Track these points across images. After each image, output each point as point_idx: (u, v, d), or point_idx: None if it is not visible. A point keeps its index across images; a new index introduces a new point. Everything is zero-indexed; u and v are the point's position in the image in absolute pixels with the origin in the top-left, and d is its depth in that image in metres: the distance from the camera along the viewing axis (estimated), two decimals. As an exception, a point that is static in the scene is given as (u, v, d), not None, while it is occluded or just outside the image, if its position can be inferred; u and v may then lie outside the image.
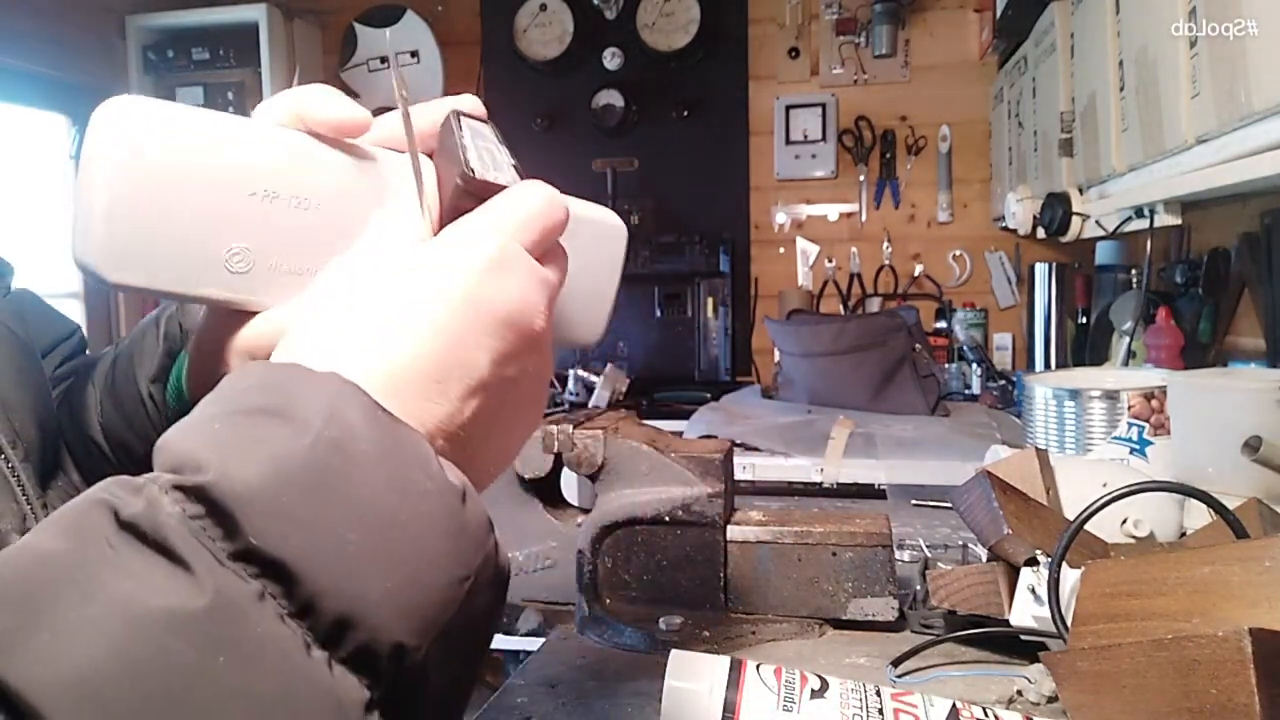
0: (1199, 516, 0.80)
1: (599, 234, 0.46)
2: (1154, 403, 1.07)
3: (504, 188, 0.38)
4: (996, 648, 0.71)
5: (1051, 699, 0.61)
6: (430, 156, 0.40)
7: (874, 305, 2.77)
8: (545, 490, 0.86)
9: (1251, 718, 0.45)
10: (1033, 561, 0.69)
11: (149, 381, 0.54)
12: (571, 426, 0.80)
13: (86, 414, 0.58)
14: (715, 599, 0.80)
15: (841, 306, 2.79)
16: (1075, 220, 1.71)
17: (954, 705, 0.53)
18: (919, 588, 0.83)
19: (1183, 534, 0.83)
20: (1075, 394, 1.15)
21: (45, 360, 0.63)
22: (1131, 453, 1.03)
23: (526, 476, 0.82)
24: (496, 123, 0.42)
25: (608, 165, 2.77)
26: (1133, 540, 0.78)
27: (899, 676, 0.67)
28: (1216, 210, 1.70)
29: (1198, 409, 0.94)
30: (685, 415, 2.10)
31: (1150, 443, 1.03)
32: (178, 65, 2.83)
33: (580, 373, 2.46)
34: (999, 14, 2.08)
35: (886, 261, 2.78)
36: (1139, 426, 1.04)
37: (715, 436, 1.79)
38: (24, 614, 0.23)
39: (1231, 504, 0.67)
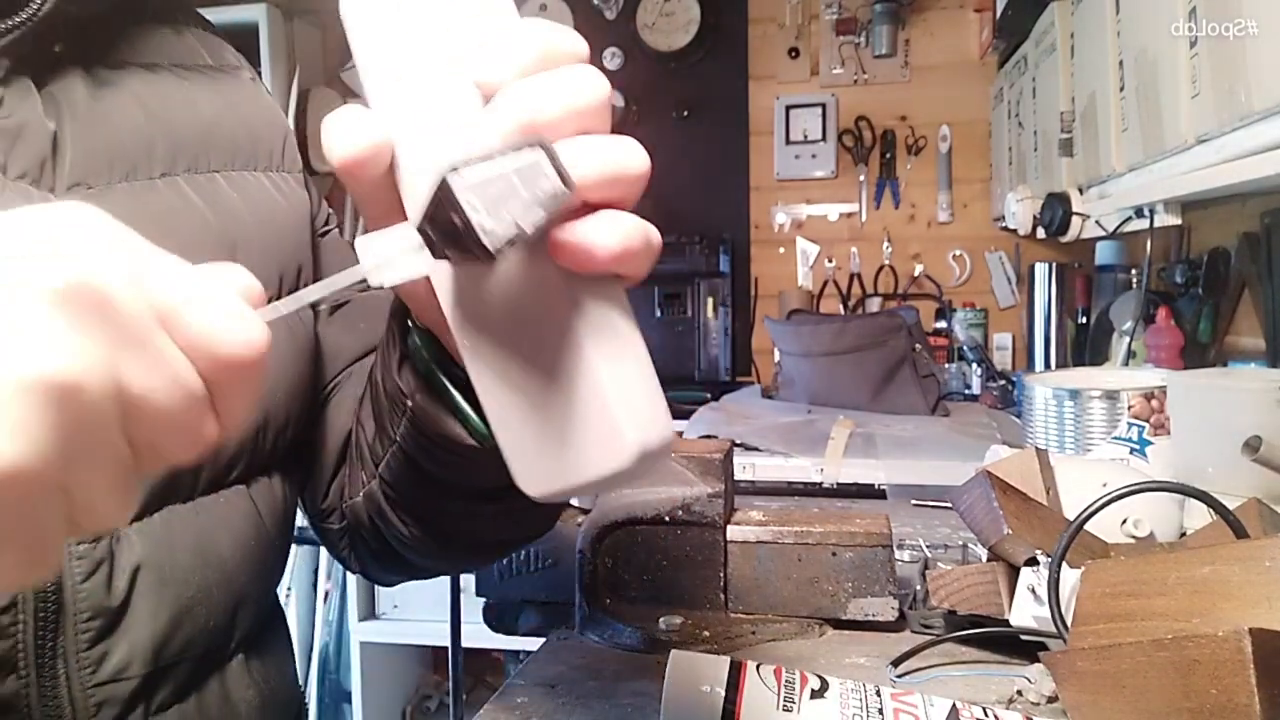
0: (1199, 516, 0.80)
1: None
2: (1154, 403, 1.07)
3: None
4: (996, 648, 0.71)
5: (1051, 699, 0.61)
6: None
7: (874, 305, 2.76)
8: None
9: (1251, 718, 0.45)
10: (1033, 561, 0.69)
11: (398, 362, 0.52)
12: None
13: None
14: (715, 599, 0.80)
15: (841, 306, 2.79)
16: (1075, 220, 1.71)
17: (954, 705, 0.53)
18: (919, 588, 0.83)
19: (1183, 534, 0.83)
20: (1075, 394, 1.15)
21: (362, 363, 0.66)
22: (1131, 453, 1.03)
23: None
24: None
25: (608, 165, 2.77)
26: (1133, 540, 0.78)
27: (899, 676, 0.68)
28: (1216, 210, 1.70)
29: (1198, 409, 0.94)
30: (685, 415, 2.10)
31: (1150, 443, 1.03)
32: (178, 65, 2.82)
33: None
34: (999, 14, 2.08)
35: (886, 261, 2.78)
36: (1139, 426, 1.04)
37: (715, 436, 1.79)
38: None
39: (1231, 504, 0.67)
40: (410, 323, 0.48)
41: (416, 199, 0.34)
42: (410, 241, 0.33)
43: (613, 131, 0.35)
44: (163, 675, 0.52)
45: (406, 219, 0.35)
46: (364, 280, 0.34)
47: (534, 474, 0.37)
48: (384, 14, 0.37)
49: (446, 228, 0.31)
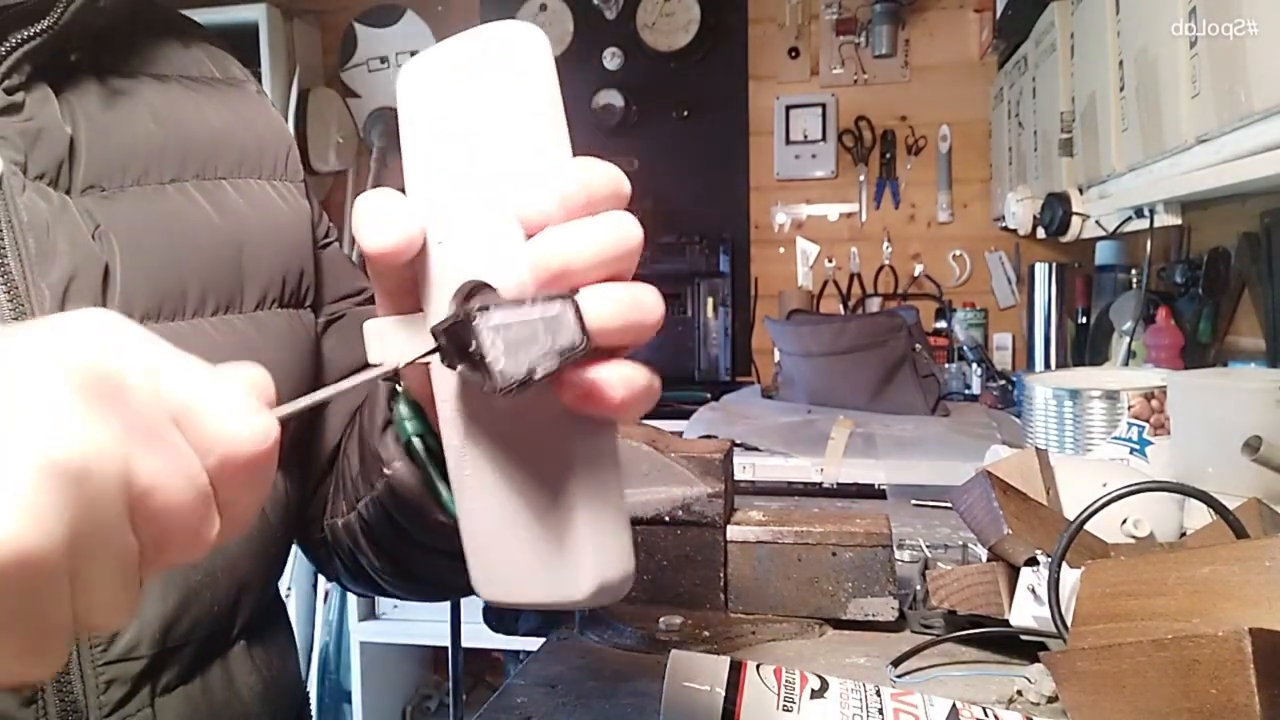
0: (1199, 516, 0.80)
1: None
2: (1154, 403, 1.07)
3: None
4: (996, 648, 0.71)
5: (1051, 699, 0.61)
6: None
7: (874, 305, 2.76)
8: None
9: (1251, 718, 0.45)
10: (1033, 561, 0.69)
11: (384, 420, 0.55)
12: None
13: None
14: (715, 599, 0.80)
15: (841, 306, 2.79)
16: (1075, 220, 1.71)
17: (954, 705, 0.53)
18: (919, 588, 0.83)
19: (1183, 534, 0.83)
20: (1075, 394, 1.15)
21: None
22: (1131, 453, 1.03)
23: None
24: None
25: (608, 165, 2.77)
26: (1133, 540, 0.78)
27: (899, 676, 0.68)
28: (1216, 210, 1.70)
29: (1198, 409, 0.94)
30: (685, 415, 2.10)
31: (1150, 443, 1.03)
32: (178, 65, 2.82)
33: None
34: (999, 14, 2.08)
35: (886, 261, 2.78)
36: (1139, 426, 1.04)
37: (715, 436, 1.79)
38: None
39: (1231, 504, 0.67)
40: (396, 387, 0.50)
41: (440, 301, 0.36)
42: (423, 339, 0.34)
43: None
44: (169, 656, 0.53)
45: (418, 301, 0.37)
46: (374, 379, 0.35)
47: (491, 581, 0.38)
48: (442, 105, 0.36)
49: (462, 349, 0.32)
